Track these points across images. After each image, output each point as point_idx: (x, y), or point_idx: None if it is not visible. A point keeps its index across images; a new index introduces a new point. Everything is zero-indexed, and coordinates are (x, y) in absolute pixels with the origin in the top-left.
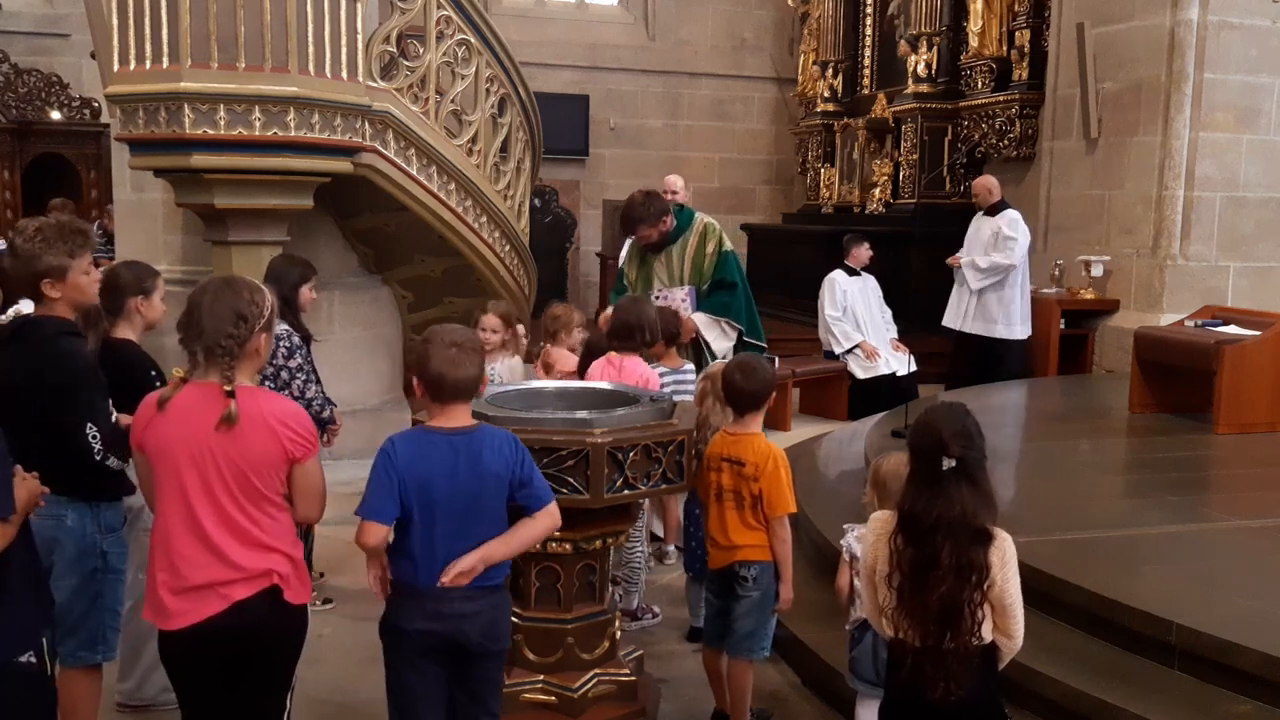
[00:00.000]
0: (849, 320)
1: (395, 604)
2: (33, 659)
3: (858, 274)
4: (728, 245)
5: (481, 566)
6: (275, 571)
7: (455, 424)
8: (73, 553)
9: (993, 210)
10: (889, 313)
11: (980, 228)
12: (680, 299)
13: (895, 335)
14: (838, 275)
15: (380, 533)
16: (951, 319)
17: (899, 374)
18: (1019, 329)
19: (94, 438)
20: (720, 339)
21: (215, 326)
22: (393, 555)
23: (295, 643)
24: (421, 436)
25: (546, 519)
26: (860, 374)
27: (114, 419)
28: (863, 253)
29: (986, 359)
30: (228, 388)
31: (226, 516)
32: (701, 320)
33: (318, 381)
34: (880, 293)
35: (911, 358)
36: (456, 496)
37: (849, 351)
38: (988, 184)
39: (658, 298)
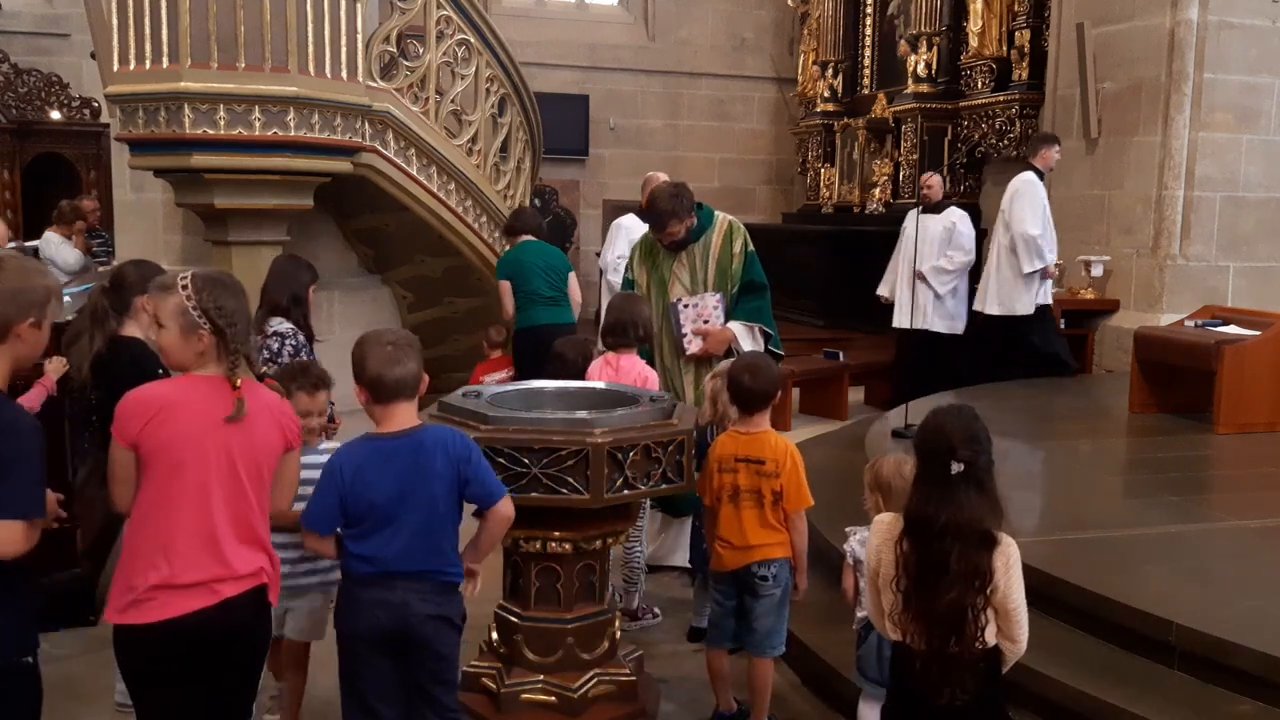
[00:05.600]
0: (1048, 235)
1: (346, 597)
2: (31, 660)
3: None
4: (750, 245)
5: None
6: (264, 570)
7: (398, 427)
8: None
9: (938, 208)
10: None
11: (927, 226)
12: (712, 307)
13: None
14: (1031, 179)
15: (318, 540)
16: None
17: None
18: (960, 323)
19: None
20: (754, 348)
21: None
22: (348, 553)
23: (267, 642)
24: (364, 445)
25: (497, 517)
26: (1041, 298)
27: None
28: (1051, 155)
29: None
30: (240, 381)
31: (236, 511)
32: (739, 330)
33: None
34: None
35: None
36: (404, 499)
37: (1031, 274)
38: (934, 180)
39: (686, 306)
